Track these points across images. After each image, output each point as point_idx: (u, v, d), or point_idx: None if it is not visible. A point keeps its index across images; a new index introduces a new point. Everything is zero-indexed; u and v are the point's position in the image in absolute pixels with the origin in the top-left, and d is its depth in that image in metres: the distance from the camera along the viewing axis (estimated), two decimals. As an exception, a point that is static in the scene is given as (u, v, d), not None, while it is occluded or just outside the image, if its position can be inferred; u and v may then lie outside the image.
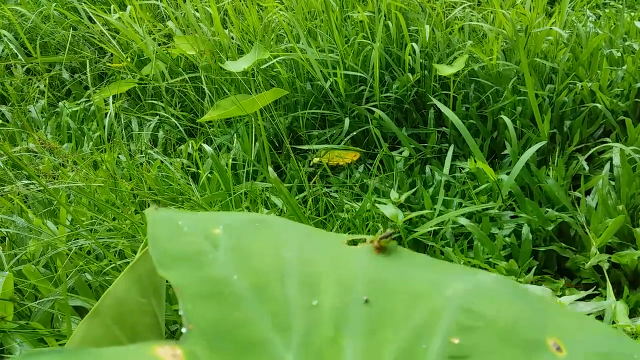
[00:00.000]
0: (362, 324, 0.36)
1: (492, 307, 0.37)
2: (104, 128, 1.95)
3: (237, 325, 0.35)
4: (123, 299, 0.42)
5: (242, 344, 0.34)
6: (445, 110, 1.64)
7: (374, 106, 1.85)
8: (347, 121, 1.83)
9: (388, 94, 1.89)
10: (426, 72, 1.93)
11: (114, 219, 1.43)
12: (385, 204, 1.46)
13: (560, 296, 1.21)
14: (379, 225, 1.43)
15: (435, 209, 1.47)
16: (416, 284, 0.38)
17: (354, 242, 0.43)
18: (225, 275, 0.37)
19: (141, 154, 1.85)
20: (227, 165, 1.63)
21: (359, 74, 1.92)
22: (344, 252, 0.41)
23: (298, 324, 0.35)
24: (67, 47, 2.43)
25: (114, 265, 1.25)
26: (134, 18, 2.39)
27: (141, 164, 1.77)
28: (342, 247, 0.42)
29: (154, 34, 2.37)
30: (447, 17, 2.17)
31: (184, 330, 0.33)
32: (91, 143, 1.93)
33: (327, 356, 0.34)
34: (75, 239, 1.34)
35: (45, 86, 2.31)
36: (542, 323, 0.36)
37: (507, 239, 1.39)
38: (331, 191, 1.66)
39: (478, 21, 2.20)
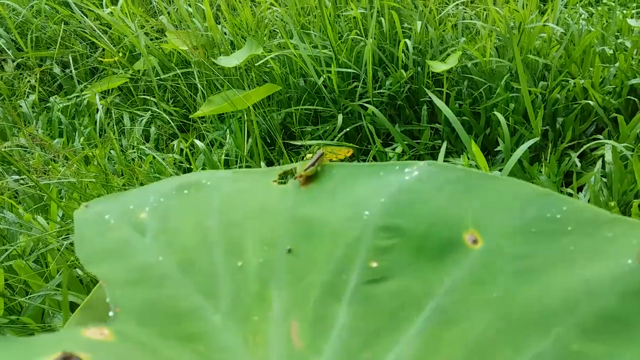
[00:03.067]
0: (286, 274, 0.37)
1: (410, 213, 0.37)
2: (96, 123, 1.93)
3: (164, 301, 0.36)
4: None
5: (172, 316, 0.35)
6: (439, 104, 1.64)
7: (367, 102, 1.85)
8: (340, 117, 1.83)
9: (381, 91, 1.89)
10: (419, 68, 1.93)
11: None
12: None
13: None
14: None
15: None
16: (338, 215, 0.39)
17: (285, 176, 0.43)
18: (152, 260, 0.39)
19: (133, 149, 1.84)
20: (219, 161, 1.62)
21: (352, 70, 1.91)
22: (271, 197, 0.42)
23: (225, 288, 0.36)
24: (59, 42, 2.41)
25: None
26: (126, 13, 2.38)
27: (133, 159, 1.76)
28: (269, 190, 0.43)
29: (145, 29, 2.36)
30: (440, 14, 2.17)
31: (110, 314, 0.34)
32: (82, 138, 1.92)
33: (254, 310, 0.35)
34: (66, 235, 1.33)
35: (36, 81, 2.29)
36: (461, 214, 0.36)
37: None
38: (324, 187, 1.65)
39: (471, 18, 2.20)
